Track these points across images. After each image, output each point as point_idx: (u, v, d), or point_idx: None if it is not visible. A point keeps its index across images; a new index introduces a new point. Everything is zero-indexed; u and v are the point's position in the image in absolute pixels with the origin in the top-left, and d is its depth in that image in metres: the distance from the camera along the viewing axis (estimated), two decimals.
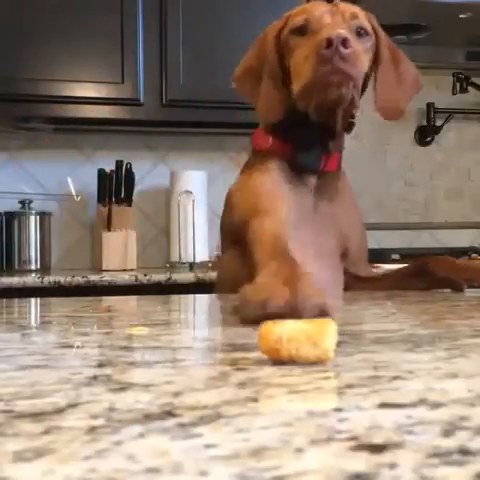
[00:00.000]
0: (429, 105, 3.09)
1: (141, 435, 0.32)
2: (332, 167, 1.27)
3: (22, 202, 2.56)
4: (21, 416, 0.36)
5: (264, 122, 1.26)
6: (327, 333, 0.48)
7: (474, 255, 2.71)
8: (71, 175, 2.72)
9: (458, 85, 2.99)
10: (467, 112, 3.17)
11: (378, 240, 3.05)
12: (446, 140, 3.17)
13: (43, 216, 2.59)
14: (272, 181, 1.23)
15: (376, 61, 1.23)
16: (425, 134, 3.13)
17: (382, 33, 1.26)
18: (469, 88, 3.01)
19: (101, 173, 2.58)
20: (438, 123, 3.10)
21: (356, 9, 1.21)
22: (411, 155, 3.14)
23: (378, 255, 2.45)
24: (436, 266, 1.29)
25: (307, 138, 1.21)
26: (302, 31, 1.16)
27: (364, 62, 1.15)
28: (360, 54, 1.12)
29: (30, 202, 2.57)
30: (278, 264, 0.87)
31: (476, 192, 3.21)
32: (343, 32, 1.06)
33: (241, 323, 0.74)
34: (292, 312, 0.71)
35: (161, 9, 2.49)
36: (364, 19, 1.20)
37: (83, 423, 0.34)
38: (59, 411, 0.37)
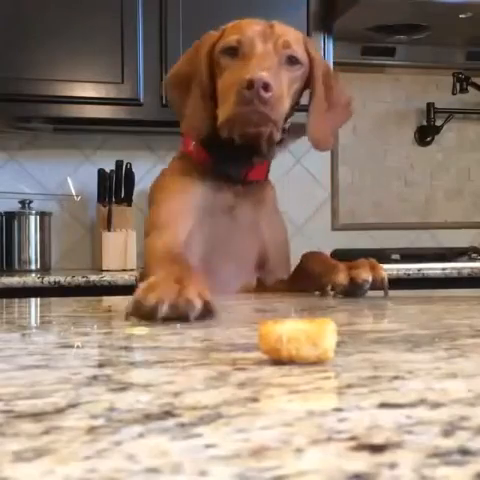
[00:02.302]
0: (429, 105, 3.09)
1: (141, 435, 0.32)
2: (258, 176, 1.27)
3: (22, 202, 2.56)
4: (21, 416, 0.36)
5: (187, 135, 1.27)
6: (327, 333, 0.48)
7: (474, 255, 2.71)
8: (71, 175, 2.72)
9: (458, 85, 2.99)
10: (467, 112, 3.17)
11: (378, 240, 3.05)
12: (446, 140, 3.17)
13: (43, 216, 2.59)
14: (186, 190, 1.23)
15: (310, 86, 1.24)
16: (425, 134, 3.13)
17: (318, 59, 1.25)
18: (469, 88, 3.01)
19: (101, 173, 2.58)
20: (438, 123, 3.10)
21: (291, 35, 1.20)
22: (411, 155, 3.14)
23: (378, 255, 2.45)
24: (311, 263, 1.23)
25: (229, 151, 1.20)
26: (233, 52, 1.16)
27: (285, 103, 1.15)
28: (281, 96, 1.12)
29: (30, 202, 2.57)
30: (170, 265, 0.93)
31: (476, 192, 3.21)
32: (265, 76, 1.07)
33: (126, 318, 0.76)
34: (178, 311, 0.76)
35: (161, 9, 2.49)
36: (298, 46, 1.20)
37: (83, 423, 0.34)
38: (59, 411, 0.37)
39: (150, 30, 2.49)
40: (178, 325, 0.74)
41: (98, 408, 0.37)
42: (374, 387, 0.42)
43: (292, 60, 1.18)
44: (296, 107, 1.24)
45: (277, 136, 1.16)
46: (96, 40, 2.45)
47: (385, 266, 1.15)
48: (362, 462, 0.28)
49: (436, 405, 0.37)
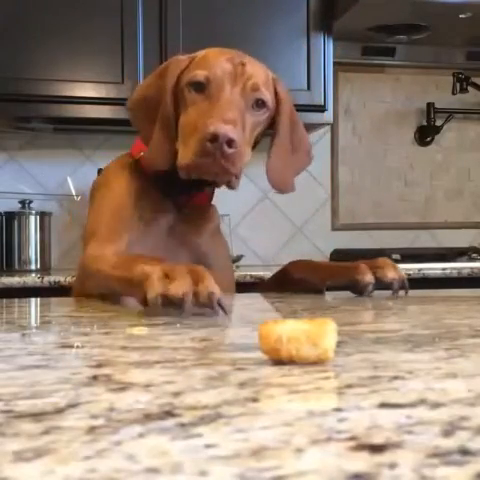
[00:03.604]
0: (429, 105, 3.09)
1: (141, 435, 0.32)
2: (201, 202, 1.26)
3: (22, 202, 2.56)
4: (21, 416, 0.36)
5: (150, 166, 1.20)
6: (327, 333, 0.48)
7: (474, 255, 2.71)
8: (71, 175, 2.72)
9: (458, 85, 2.99)
10: (467, 112, 3.17)
11: (378, 240, 3.05)
12: (446, 140, 3.17)
13: (43, 216, 2.59)
14: (131, 199, 1.19)
15: (274, 127, 1.20)
16: (425, 134, 3.13)
17: (286, 101, 1.21)
18: (469, 88, 3.01)
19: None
20: (438, 123, 3.10)
21: (261, 76, 1.16)
22: (411, 155, 3.14)
23: (378, 255, 2.44)
24: (294, 269, 1.25)
25: (181, 180, 1.14)
26: (200, 88, 1.12)
27: (247, 154, 1.11)
28: (244, 150, 1.09)
29: (30, 202, 2.57)
30: (150, 261, 0.91)
31: (476, 192, 3.21)
32: (230, 131, 1.03)
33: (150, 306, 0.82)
34: (199, 302, 0.82)
35: (161, 9, 2.49)
36: (267, 88, 1.15)
37: (83, 423, 0.34)
38: (59, 411, 0.37)
39: (150, 30, 2.49)
40: (178, 325, 0.74)
41: (98, 408, 0.37)
42: (374, 387, 0.42)
43: (259, 104, 1.14)
44: (255, 146, 1.20)
45: (236, 184, 1.12)
46: (96, 40, 2.45)
47: None
48: (362, 462, 0.28)
49: (436, 405, 0.37)
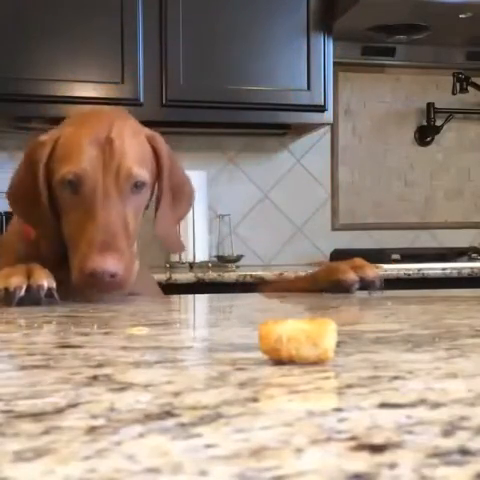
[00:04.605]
0: (429, 105, 3.09)
1: (141, 435, 0.32)
2: None
3: None
4: (21, 416, 0.36)
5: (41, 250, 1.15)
6: (327, 333, 0.48)
7: (474, 255, 2.71)
8: None
9: (458, 85, 2.99)
10: (467, 112, 3.17)
11: (378, 240, 3.05)
12: (446, 140, 3.17)
13: None
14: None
15: (158, 184, 1.15)
16: (425, 134, 3.13)
17: (165, 154, 1.14)
18: (469, 88, 3.01)
19: None
20: (438, 123, 3.10)
21: (132, 148, 1.07)
22: (411, 155, 3.14)
23: (378, 255, 2.45)
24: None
25: None
26: (73, 186, 1.05)
27: (133, 272, 1.05)
28: (128, 275, 1.02)
29: None
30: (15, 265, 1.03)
31: (476, 192, 3.21)
32: (111, 266, 0.98)
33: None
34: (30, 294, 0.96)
35: (161, 9, 2.49)
36: (141, 165, 1.08)
37: (83, 423, 0.34)
38: (59, 411, 0.37)
39: (150, 30, 2.49)
40: (178, 324, 0.74)
41: (98, 408, 0.37)
42: (374, 387, 0.42)
43: (138, 185, 1.08)
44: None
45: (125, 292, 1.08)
46: (96, 40, 2.45)
47: (385, 266, 1.16)
48: (362, 462, 0.28)
49: (436, 405, 0.37)
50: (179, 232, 1.24)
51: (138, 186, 1.08)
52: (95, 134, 1.06)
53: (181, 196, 1.20)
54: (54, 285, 0.99)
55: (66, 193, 1.07)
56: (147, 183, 1.10)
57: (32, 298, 0.97)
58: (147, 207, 1.16)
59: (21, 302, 0.96)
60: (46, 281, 0.98)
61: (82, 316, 0.89)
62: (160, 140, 1.15)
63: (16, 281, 0.97)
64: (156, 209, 1.16)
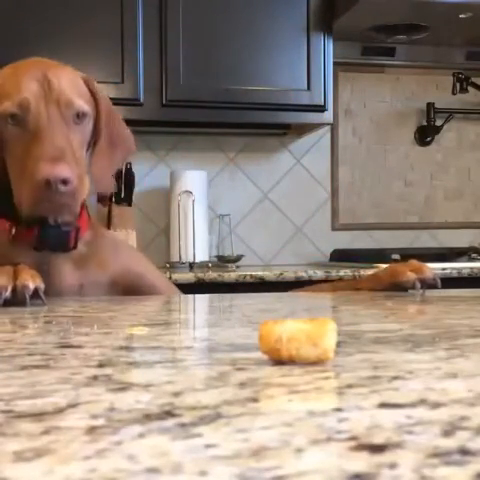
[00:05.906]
0: (429, 105, 3.09)
1: (141, 435, 0.32)
2: (82, 234, 1.17)
3: None
4: (21, 416, 0.36)
5: None
6: (327, 333, 0.48)
7: (474, 255, 2.71)
8: None
9: (458, 85, 2.99)
10: (467, 112, 3.17)
11: (378, 240, 3.05)
12: (446, 140, 3.17)
13: None
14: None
15: (96, 125, 1.17)
16: (425, 134, 3.13)
17: (102, 98, 1.18)
18: (469, 88, 3.01)
19: None
20: (438, 123, 3.10)
21: (70, 85, 1.11)
22: (411, 155, 3.14)
23: (378, 255, 2.45)
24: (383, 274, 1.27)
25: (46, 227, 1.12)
26: (16, 119, 1.07)
27: (84, 174, 1.08)
28: (80, 180, 1.05)
29: None
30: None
31: (476, 192, 3.21)
32: (63, 171, 1.00)
33: None
34: (16, 295, 0.95)
35: (161, 9, 2.49)
36: (80, 95, 1.12)
37: (83, 423, 0.34)
38: (59, 411, 0.37)
39: (150, 30, 2.49)
40: (178, 324, 0.74)
41: (98, 408, 0.37)
42: (374, 387, 0.42)
43: (80, 116, 1.11)
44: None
45: (78, 207, 1.10)
46: (96, 40, 2.45)
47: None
48: (362, 462, 0.28)
49: (436, 405, 0.37)
50: (113, 175, 1.27)
51: (80, 117, 1.12)
52: (33, 73, 1.10)
53: (118, 142, 1.23)
54: (42, 286, 0.99)
55: (9, 127, 1.08)
56: (88, 114, 1.13)
57: (18, 299, 0.96)
58: (88, 147, 1.18)
59: (7, 303, 0.95)
60: (32, 282, 0.97)
61: (82, 316, 0.89)
62: (96, 84, 1.20)
63: (1, 282, 0.97)
64: (93, 149, 1.19)
